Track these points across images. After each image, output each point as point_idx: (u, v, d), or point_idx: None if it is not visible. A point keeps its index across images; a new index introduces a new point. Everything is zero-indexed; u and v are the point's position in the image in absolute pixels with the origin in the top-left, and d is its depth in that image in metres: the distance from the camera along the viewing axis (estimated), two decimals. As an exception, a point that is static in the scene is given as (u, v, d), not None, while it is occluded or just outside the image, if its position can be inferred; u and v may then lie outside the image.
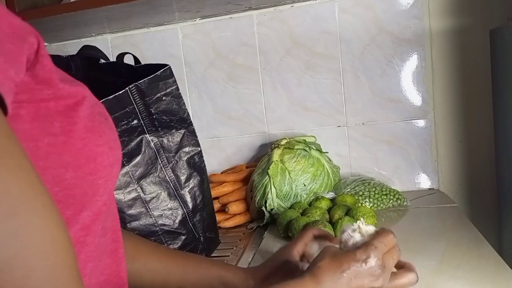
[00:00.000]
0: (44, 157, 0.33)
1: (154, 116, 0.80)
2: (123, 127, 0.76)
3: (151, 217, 0.80)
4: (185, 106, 0.84)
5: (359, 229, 0.59)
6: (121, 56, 0.88)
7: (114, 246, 0.44)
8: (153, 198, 0.81)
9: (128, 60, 0.88)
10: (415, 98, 1.20)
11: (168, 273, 0.65)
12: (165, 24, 1.31)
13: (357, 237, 0.58)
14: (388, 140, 1.23)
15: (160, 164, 0.82)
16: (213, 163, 1.34)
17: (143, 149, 0.80)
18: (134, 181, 0.79)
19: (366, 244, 0.54)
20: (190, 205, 0.85)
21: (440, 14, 1.16)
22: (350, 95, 1.23)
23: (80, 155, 0.36)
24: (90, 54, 0.89)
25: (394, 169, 1.24)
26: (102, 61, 0.88)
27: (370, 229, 0.59)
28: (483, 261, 0.75)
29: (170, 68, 0.81)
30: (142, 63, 0.89)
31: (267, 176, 1.09)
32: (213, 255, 0.92)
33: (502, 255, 0.77)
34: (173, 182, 0.83)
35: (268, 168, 1.09)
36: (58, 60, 0.91)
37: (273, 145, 1.18)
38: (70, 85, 0.37)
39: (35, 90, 0.33)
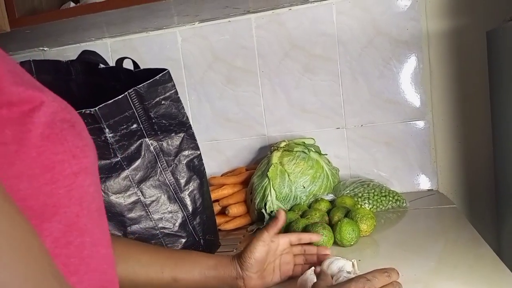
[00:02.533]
0: None
1: (153, 120, 0.80)
2: (122, 132, 0.77)
3: (151, 221, 0.81)
4: (184, 109, 0.85)
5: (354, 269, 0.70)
6: (120, 61, 0.89)
7: (104, 259, 0.43)
8: (153, 201, 0.81)
9: (127, 65, 0.89)
10: (413, 99, 1.20)
11: (162, 266, 0.70)
12: (164, 28, 1.31)
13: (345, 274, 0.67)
14: (386, 141, 1.23)
15: (159, 167, 0.82)
16: (213, 166, 1.34)
17: (142, 153, 0.80)
18: (134, 184, 0.79)
19: (359, 277, 0.59)
20: (190, 208, 0.85)
21: (437, 16, 1.17)
22: (348, 97, 1.24)
23: (34, 164, 0.34)
24: (89, 59, 0.90)
25: (393, 171, 1.24)
26: (102, 66, 0.89)
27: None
28: (481, 262, 0.76)
29: (169, 72, 0.82)
30: (141, 67, 0.89)
31: (267, 179, 1.09)
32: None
33: (500, 256, 0.77)
34: (173, 186, 0.83)
35: (268, 171, 1.10)
36: (57, 65, 0.92)
37: (272, 148, 1.18)
38: (26, 88, 0.34)
39: None
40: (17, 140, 0.33)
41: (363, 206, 1.06)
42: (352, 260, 0.72)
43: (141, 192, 0.80)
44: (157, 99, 0.80)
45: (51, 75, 0.91)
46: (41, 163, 0.34)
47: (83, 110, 0.71)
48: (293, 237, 0.80)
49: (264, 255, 0.73)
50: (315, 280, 0.68)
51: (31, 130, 0.33)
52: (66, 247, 0.37)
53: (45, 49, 1.40)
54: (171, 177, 0.84)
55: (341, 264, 0.70)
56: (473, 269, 0.73)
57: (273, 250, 0.76)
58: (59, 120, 0.37)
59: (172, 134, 0.84)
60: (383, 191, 1.11)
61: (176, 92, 0.83)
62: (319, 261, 0.78)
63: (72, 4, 1.08)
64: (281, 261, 0.78)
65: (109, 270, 0.42)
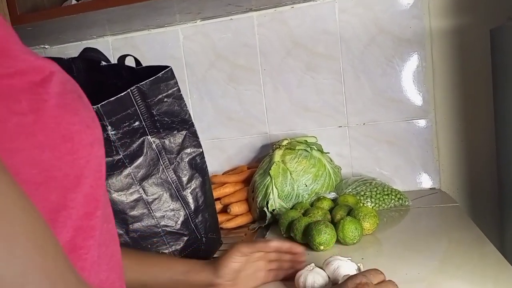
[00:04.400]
0: (14, 138, 0.31)
1: (155, 118, 0.80)
2: (125, 129, 0.77)
3: (154, 218, 0.81)
4: (186, 107, 0.85)
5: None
6: (122, 58, 0.88)
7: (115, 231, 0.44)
8: (155, 199, 0.81)
9: (129, 62, 0.89)
10: (416, 98, 1.20)
11: (130, 269, 0.68)
12: (166, 26, 1.31)
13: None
14: (389, 140, 1.23)
15: (162, 165, 0.82)
16: (214, 164, 1.34)
17: (145, 151, 0.80)
18: (136, 182, 0.79)
19: (356, 274, 0.62)
20: (192, 206, 0.85)
21: (440, 14, 1.16)
22: (350, 95, 1.23)
23: (54, 135, 0.33)
24: (91, 57, 0.90)
25: (395, 169, 1.24)
26: (104, 63, 0.88)
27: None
28: (485, 260, 0.75)
29: (171, 69, 0.82)
30: (143, 65, 0.89)
31: (269, 177, 1.09)
32: (215, 256, 0.92)
33: (504, 254, 0.77)
34: (175, 183, 0.83)
35: (270, 169, 1.10)
36: (59, 63, 0.91)
37: (274, 146, 1.18)
38: (36, 58, 0.34)
39: None
40: (34, 110, 0.32)
41: (365, 205, 1.06)
42: (359, 264, 0.71)
43: (143, 189, 0.80)
44: (160, 96, 0.80)
45: (53, 72, 0.90)
46: (60, 133, 0.33)
47: (85, 107, 0.71)
48: (272, 246, 0.75)
49: (241, 265, 0.71)
50: (311, 276, 0.69)
51: (46, 100, 0.33)
52: (89, 219, 0.36)
53: (47, 47, 1.40)
54: (173, 175, 0.83)
55: (347, 271, 0.69)
56: (477, 268, 0.73)
57: (250, 259, 0.73)
58: (69, 90, 0.36)
59: (175, 132, 0.84)
60: (386, 189, 1.10)
61: (179, 90, 0.82)
62: (293, 267, 0.76)
63: (74, 2, 1.08)
64: (255, 268, 0.75)
65: (114, 246, 0.42)
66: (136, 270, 0.70)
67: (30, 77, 0.33)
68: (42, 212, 0.31)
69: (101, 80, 0.90)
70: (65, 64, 0.91)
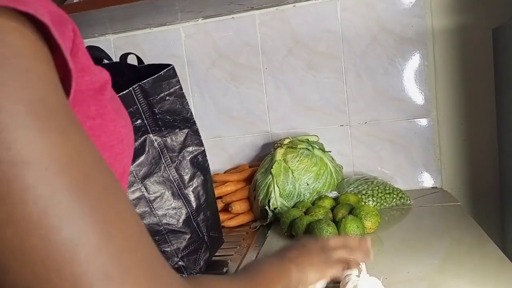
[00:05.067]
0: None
1: (157, 116, 0.80)
2: (127, 127, 0.77)
3: (155, 217, 0.81)
4: (188, 105, 0.85)
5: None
6: (124, 56, 0.88)
7: None
8: (157, 197, 0.81)
9: (131, 60, 0.88)
10: (417, 96, 1.20)
11: None
12: (168, 25, 1.31)
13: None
14: (391, 139, 1.23)
15: (163, 163, 0.82)
16: (216, 163, 1.34)
17: (147, 149, 0.80)
18: (138, 180, 0.79)
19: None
20: (194, 204, 0.85)
21: (442, 13, 1.16)
22: (352, 94, 1.23)
23: (112, 136, 0.37)
24: (93, 55, 0.89)
25: (397, 168, 1.24)
26: (106, 61, 0.88)
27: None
28: (486, 259, 0.75)
29: (173, 68, 0.82)
30: (145, 63, 0.89)
31: (270, 176, 1.09)
32: (216, 254, 0.92)
33: (506, 253, 0.77)
34: (176, 182, 0.83)
35: (271, 168, 1.10)
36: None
37: (276, 145, 1.18)
38: (100, 70, 0.38)
39: (77, 78, 0.34)
40: (99, 114, 0.36)
41: (367, 204, 1.06)
42: (360, 264, 0.70)
43: (145, 188, 0.80)
44: (162, 94, 0.80)
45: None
46: (115, 135, 0.38)
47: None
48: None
49: None
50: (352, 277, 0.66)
51: (106, 106, 0.37)
52: None
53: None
54: (175, 173, 0.83)
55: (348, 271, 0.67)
56: (479, 267, 0.73)
57: None
58: (115, 95, 0.41)
59: (176, 130, 0.83)
60: (387, 188, 1.10)
61: (181, 88, 0.82)
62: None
63: (75, 0, 1.08)
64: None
65: None
66: None
67: (95, 85, 0.37)
68: None
69: (103, 78, 0.89)
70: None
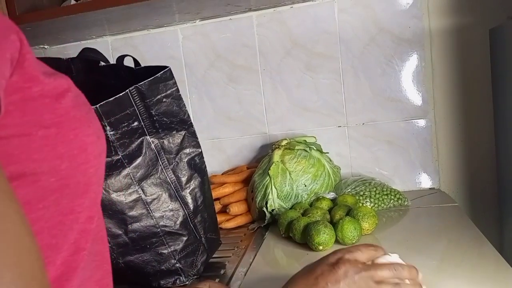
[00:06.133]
0: (39, 149, 0.34)
1: (154, 118, 0.80)
2: (123, 129, 0.77)
3: (152, 219, 0.80)
4: (185, 107, 0.84)
5: None
6: (121, 58, 0.88)
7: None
8: (154, 199, 0.81)
9: (128, 62, 0.88)
10: (415, 97, 1.20)
11: None
12: (165, 26, 1.31)
13: None
14: (388, 140, 1.23)
15: (161, 165, 0.82)
16: (214, 164, 1.34)
17: (143, 151, 0.80)
18: (135, 182, 0.79)
19: (341, 249, 0.56)
20: (191, 206, 0.85)
21: (439, 14, 1.16)
22: (350, 95, 1.23)
23: (73, 146, 0.37)
24: (90, 57, 0.90)
25: (394, 169, 1.24)
26: (102, 63, 0.88)
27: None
28: (484, 260, 0.75)
29: (170, 70, 0.82)
30: (142, 65, 0.89)
31: (268, 177, 1.09)
32: (214, 256, 0.92)
33: (503, 254, 0.77)
34: (174, 184, 0.83)
35: (269, 169, 1.10)
36: (58, 63, 0.91)
37: (273, 146, 1.18)
38: (55, 78, 0.37)
39: (25, 89, 0.34)
40: (55, 123, 0.35)
41: (364, 205, 1.06)
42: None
43: (142, 190, 0.80)
44: (158, 96, 0.79)
45: (52, 72, 0.90)
46: (77, 144, 0.37)
47: (84, 108, 0.71)
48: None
49: None
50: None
51: (64, 114, 0.36)
52: (90, 222, 0.40)
53: (46, 47, 1.40)
54: (172, 175, 0.83)
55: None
56: (476, 268, 0.73)
57: None
58: (81, 103, 0.40)
59: (173, 132, 0.83)
60: (385, 189, 1.10)
61: (178, 90, 0.82)
62: None
63: (73, 2, 1.08)
64: None
65: (106, 252, 0.45)
66: None
67: (50, 94, 0.36)
68: (52, 215, 0.35)
69: (100, 80, 0.89)
70: (64, 64, 0.90)
